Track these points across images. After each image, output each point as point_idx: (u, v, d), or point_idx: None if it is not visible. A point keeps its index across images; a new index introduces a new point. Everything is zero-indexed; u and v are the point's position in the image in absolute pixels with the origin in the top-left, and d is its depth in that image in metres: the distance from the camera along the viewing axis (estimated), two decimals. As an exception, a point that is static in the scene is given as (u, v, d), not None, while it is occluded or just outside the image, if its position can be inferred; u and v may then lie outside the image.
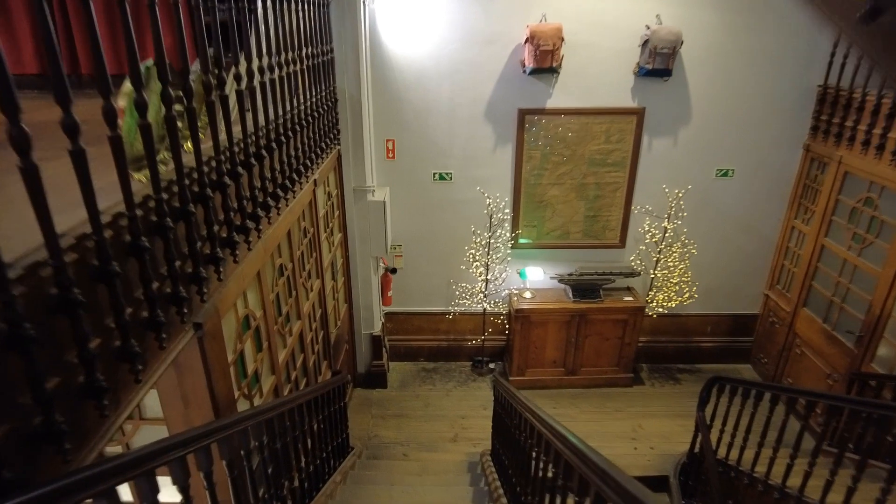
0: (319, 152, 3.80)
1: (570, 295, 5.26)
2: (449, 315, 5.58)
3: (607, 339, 5.36)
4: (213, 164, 2.09)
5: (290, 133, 3.01)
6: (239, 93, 2.44)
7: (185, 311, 1.82)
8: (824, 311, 4.81)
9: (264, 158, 2.56)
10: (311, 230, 3.76)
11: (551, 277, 5.33)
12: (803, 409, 3.44)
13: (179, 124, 1.79)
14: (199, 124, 1.96)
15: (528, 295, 5.32)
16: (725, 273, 5.60)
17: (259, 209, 2.49)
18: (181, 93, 1.81)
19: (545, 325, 5.26)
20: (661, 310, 5.41)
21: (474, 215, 5.20)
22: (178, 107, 1.78)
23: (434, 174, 5.10)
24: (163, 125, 1.71)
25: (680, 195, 5.13)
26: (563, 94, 4.84)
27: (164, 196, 1.65)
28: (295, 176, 3.13)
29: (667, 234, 5.25)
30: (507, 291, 5.50)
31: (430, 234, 5.33)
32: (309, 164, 3.46)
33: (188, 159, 1.87)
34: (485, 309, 5.47)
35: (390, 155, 5.02)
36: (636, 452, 4.85)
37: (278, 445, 2.54)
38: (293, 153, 3.11)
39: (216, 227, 2.07)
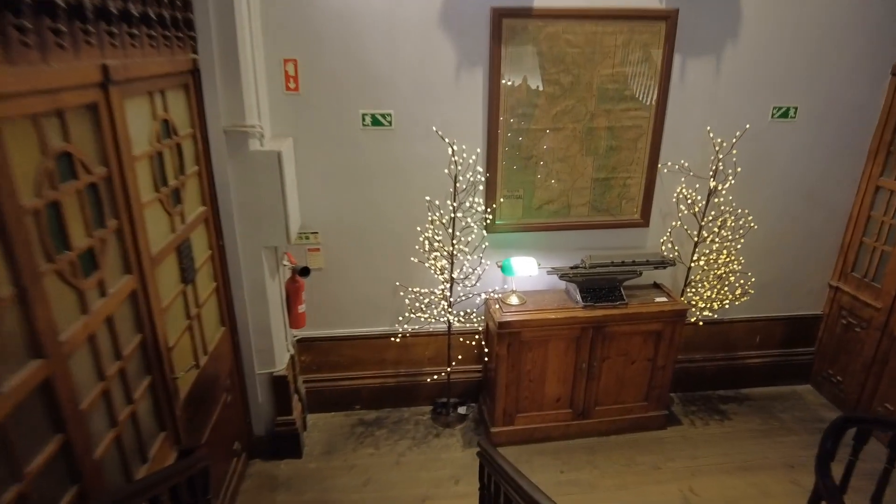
0: (125, 24, 1.90)
1: (578, 297, 3.48)
2: (397, 337, 3.69)
3: (633, 361, 3.60)
4: None
5: None
6: None
7: None
8: (950, 303, 3.26)
9: None
10: (102, 172, 1.83)
11: (548, 272, 3.55)
12: None
13: None
14: None
15: (514, 300, 3.51)
16: (781, 258, 3.99)
17: None
18: None
19: (543, 344, 3.46)
20: (708, 313, 3.72)
21: (430, 179, 3.38)
22: None
23: (364, 117, 3.26)
24: None
25: (725, 144, 3.50)
26: (558, -12, 3.15)
27: None
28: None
29: (713, 200, 3.58)
30: (483, 296, 3.67)
31: (362, 213, 3.46)
32: (66, 17, 1.55)
33: None
34: (450, 324, 3.61)
35: (292, 84, 3.16)
36: (699, 539, 3.08)
37: None
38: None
39: None
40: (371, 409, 3.94)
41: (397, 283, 3.63)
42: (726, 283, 3.70)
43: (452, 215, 3.27)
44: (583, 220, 3.65)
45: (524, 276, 3.48)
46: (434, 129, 3.22)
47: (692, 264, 3.69)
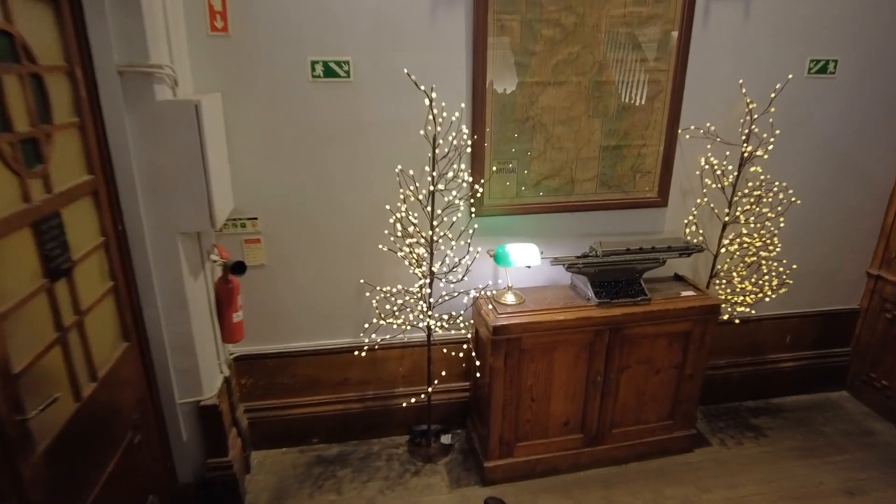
0: None
1: (590, 293, 2.80)
2: (362, 351, 2.94)
3: (658, 370, 2.93)
4: None
5: None
6: None
7: None
8: None
9: None
10: None
11: (552, 263, 2.86)
12: None
13: None
14: None
15: (510, 299, 2.81)
16: (813, 242, 3.40)
17: None
18: None
19: (548, 353, 2.75)
20: (741, 309, 3.09)
21: (402, 144, 2.67)
22: None
23: (315, 66, 2.54)
24: None
25: (755, 105, 2.88)
26: None
27: None
28: None
29: (746, 170, 2.96)
30: (472, 294, 2.95)
31: (314, 191, 2.72)
32: None
33: None
34: (430, 332, 2.88)
35: (219, 23, 2.42)
36: None
37: None
38: None
39: None
40: (332, 442, 3.16)
41: (362, 281, 2.89)
42: (764, 272, 3.08)
43: (431, 188, 2.55)
44: (589, 200, 2.99)
45: (522, 267, 2.79)
46: (406, 71, 2.52)
47: (722, 250, 3.06)
